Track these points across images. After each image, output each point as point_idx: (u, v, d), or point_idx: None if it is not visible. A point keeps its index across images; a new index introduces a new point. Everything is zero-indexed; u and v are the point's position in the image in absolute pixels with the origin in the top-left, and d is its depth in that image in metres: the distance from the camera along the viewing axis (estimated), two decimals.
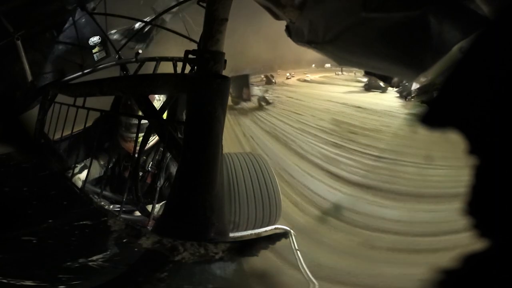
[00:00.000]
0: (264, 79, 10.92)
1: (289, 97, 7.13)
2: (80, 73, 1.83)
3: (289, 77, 12.91)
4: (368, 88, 7.62)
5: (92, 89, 1.22)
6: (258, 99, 5.91)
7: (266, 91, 6.48)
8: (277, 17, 1.12)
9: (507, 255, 0.38)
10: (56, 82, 1.71)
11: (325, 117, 5.02)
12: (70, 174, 1.37)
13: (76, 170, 1.46)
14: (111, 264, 0.63)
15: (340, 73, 12.48)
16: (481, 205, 0.42)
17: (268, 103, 5.77)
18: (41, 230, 0.75)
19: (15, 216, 0.83)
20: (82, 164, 1.55)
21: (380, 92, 6.96)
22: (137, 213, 1.34)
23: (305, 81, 11.80)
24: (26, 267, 0.62)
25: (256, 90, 6.12)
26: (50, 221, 0.80)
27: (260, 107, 5.80)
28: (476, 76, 0.45)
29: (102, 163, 1.65)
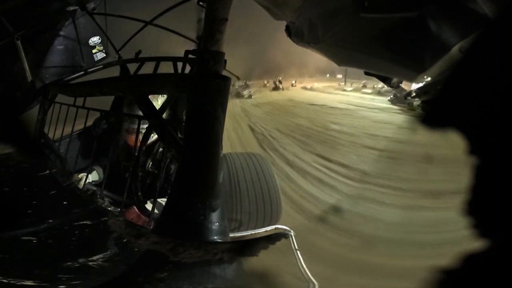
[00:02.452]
0: (268, 84, 13.60)
1: (269, 95, 11.90)
2: (80, 73, 1.83)
3: (294, 84, 14.73)
4: (394, 102, 8.06)
5: (92, 89, 1.22)
6: (248, 95, 11.24)
7: (250, 91, 11.55)
8: (277, 17, 1.12)
9: (507, 255, 0.38)
10: (56, 82, 1.71)
11: (265, 102, 9.87)
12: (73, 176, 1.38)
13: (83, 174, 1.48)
14: (111, 264, 0.63)
15: (342, 83, 14.00)
16: (481, 205, 0.42)
17: (250, 97, 11.10)
18: (41, 230, 0.75)
19: (15, 216, 0.83)
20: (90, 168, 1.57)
21: (406, 107, 7.32)
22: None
23: (305, 88, 14.37)
24: (26, 267, 0.62)
25: (245, 91, 11.37)
26: (50, 221, 0.80)
27: (248, 98, 11.11)
28: (476, 76, 0.45)
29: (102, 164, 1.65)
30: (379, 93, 10.16)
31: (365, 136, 4.73)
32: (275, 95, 11.56)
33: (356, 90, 11.83)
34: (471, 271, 0.40)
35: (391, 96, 8.33)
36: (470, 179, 0.41)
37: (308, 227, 2.38)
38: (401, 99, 7.69)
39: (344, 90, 12.15)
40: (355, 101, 8.99)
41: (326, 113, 7.18)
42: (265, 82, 14.65)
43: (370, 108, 7.62)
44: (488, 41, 0.45)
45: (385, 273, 1.77)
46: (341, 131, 5.15)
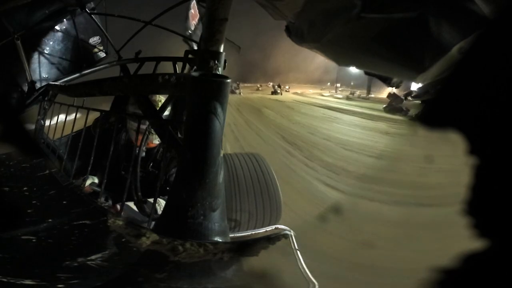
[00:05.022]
0: (261, 88, 16.29)
1: (254, 94, 15.23)
2: (80, 73, 1.83)
3: (287, 90, 16.73)
4: (389, 110, 8.47)
5: (92, 89, 1.22)
6: (238, 93, 14.64)
7: (240, 91, 14.88)
8: (276, 16, 1.12)
9: (507, 255, 0.38)
10: (56, 82, 1.71)
11: (245, 97, 13.56)
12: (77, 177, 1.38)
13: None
14: (110, 264, 0.63)
15: (333, 91, 16.25)
16: (481, 205, 0.41)
17: (239, 94, 14.17)
18: (41, 230, 0.75)
19: (15, 216, 0.83)
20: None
21: (401, 115, 8.08)
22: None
23: (296, 93, 16.87)
24: (26, 267, 0.62)
25: (237, 91, 14.22)
26: (49, 220, 0.80)
27: (238, 94, 14.37)
28: (476, 76, 0.45)
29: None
30: (348, 98, 13.84)
31: (265, 108, 10.09)
32: (257, 94, 15.72)
33: (331, 95, 15.55)
34: (471, 271, 0.40)
35: (386, 105, 8.94)
36: (470, 179, 0.41)
37: (309, 227, 2.38)
38: (397, 108, 8.32)
39: (322, 95, 15.58)
40: (311, 101, 13.13)
41: (272, 103, 12.01)
42: (258, 85, 17.01)
43: (305, 103, 12.15)
44: (488, 41, 0.45)
45: (385, 273, 1.77)
46: (260, 106, 10.75)
